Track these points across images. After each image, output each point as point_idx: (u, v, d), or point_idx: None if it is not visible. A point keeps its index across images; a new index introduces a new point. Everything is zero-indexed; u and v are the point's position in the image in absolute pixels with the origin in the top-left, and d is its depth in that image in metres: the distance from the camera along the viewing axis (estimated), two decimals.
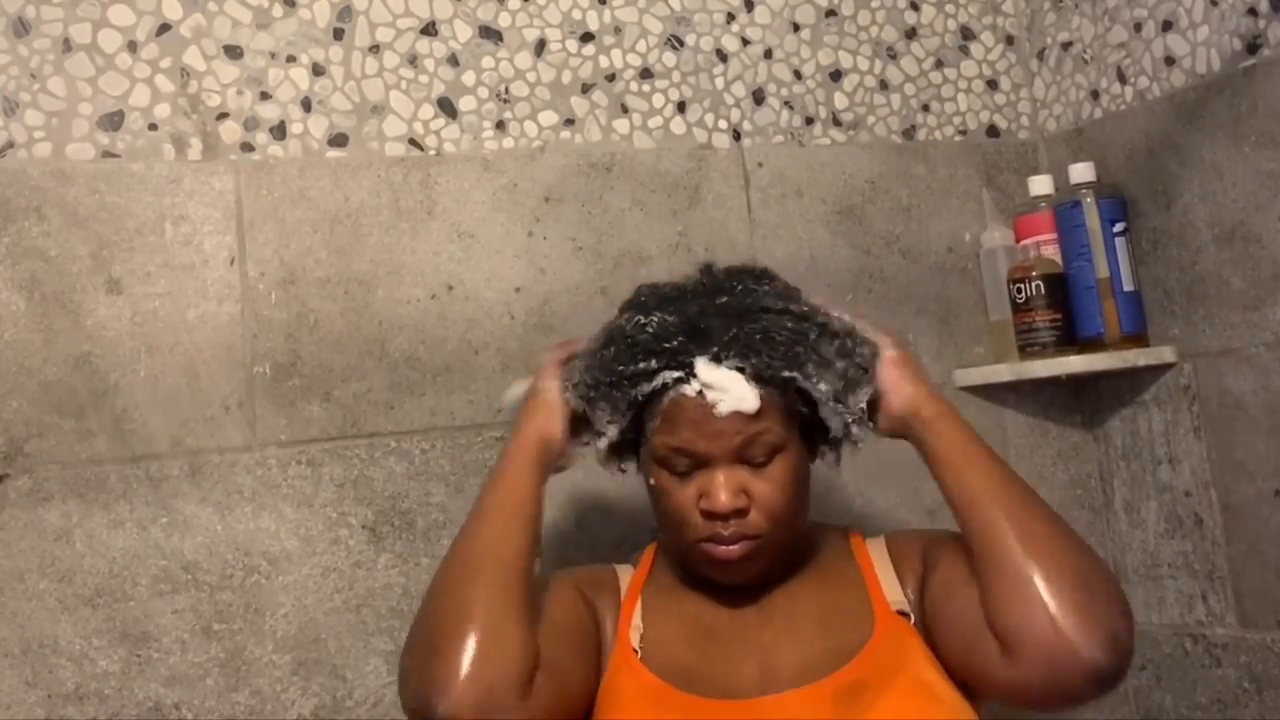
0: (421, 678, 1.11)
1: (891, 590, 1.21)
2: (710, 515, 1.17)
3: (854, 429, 1.21)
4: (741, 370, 1.16)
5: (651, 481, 1.22)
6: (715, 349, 1.17)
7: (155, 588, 1.36)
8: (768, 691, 1.15)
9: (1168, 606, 1.67)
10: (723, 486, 1.17)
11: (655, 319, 1.20)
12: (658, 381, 1.17)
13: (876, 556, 1.25)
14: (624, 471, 1.29)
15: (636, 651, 1.19)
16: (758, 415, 1.16)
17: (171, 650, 1.36)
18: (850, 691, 1.13)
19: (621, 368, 1.19)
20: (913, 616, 1.19)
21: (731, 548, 1.18)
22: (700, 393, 1.16)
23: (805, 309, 1.21)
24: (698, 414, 1.17)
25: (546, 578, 1.24)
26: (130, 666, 1.34)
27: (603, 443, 1.22)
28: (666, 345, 1.17)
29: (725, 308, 1.20)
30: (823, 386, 1.17)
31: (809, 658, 1.17)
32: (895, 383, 1.22)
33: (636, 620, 1.21)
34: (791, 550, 1.24)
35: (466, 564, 1.17)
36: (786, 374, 1.17)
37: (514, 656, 1.11)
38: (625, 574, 1.28)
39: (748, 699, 1.14)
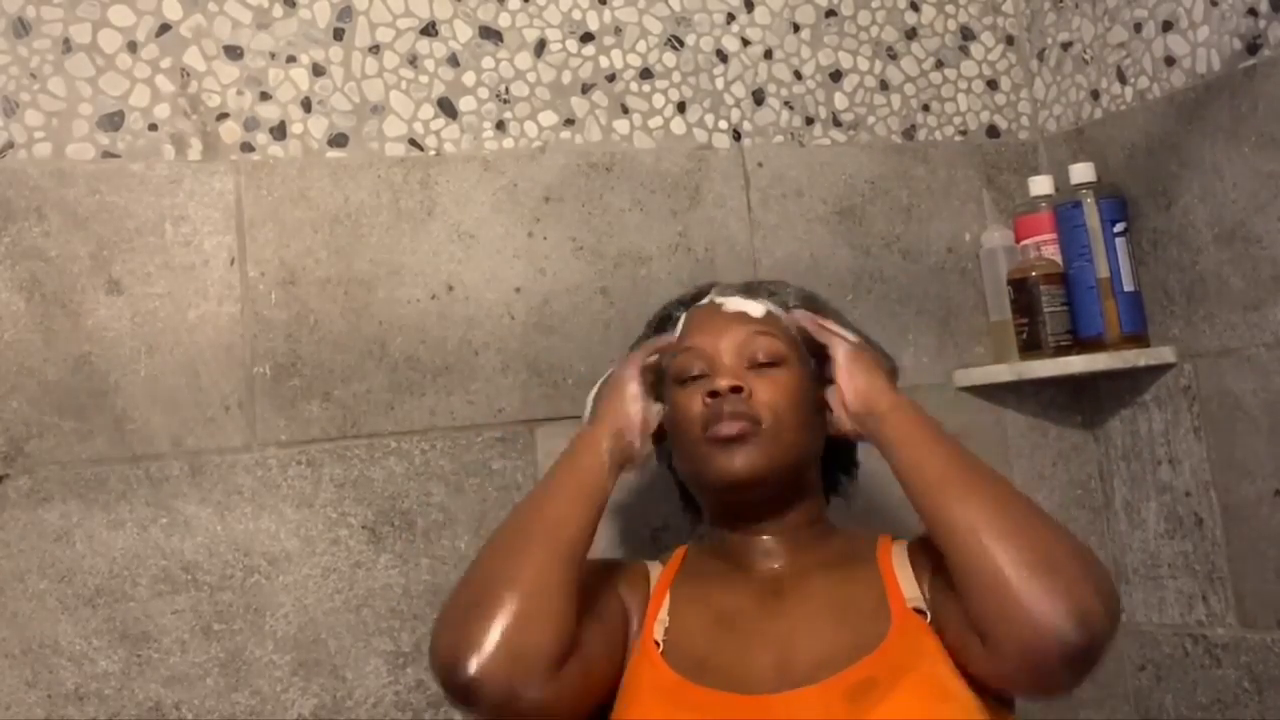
0: (456, 635, 1.11)
1: (908, 587, 1.21)
2: (713, 395, 1.24)
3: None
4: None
5: (669, 409, 1.29)
6: (728, 291, 1.35)
7: (155, 588, 1.36)
8: (782, 687, 1.14)
9: (1168, 606, 1.67)
10: (724, 369, 1.26)
11: (682, 293, 1.42)
12: (681, 310, 1.36)
13: (896, 556, 1.25)
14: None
15: (658, 644, 1.19)
16: (763, 320, 1.30)
17: (171, 650, 1.36)
18: (861, 688, 1.13)
19: (656, 325, 1.38)
20: (929, 614, 1.19)
21: (731, 424, 1.22)
22: (712, 301, 1.34)
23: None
24: (707, 315, 1.32)
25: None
26: (130, 666, 1.34)
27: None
28: (691, 296, 1.39)
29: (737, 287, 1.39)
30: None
31: (824, 652, 1.16)
32: (849, 379, 1.25)
33: (663, 614, 1.22)
34: (799, 489, 1.29)
35: (524, 532, 1.17)
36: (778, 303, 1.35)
37: (553, 631, 1.11)
38: (655, 570, 1.29)
39: (761, 694, 1.14)
